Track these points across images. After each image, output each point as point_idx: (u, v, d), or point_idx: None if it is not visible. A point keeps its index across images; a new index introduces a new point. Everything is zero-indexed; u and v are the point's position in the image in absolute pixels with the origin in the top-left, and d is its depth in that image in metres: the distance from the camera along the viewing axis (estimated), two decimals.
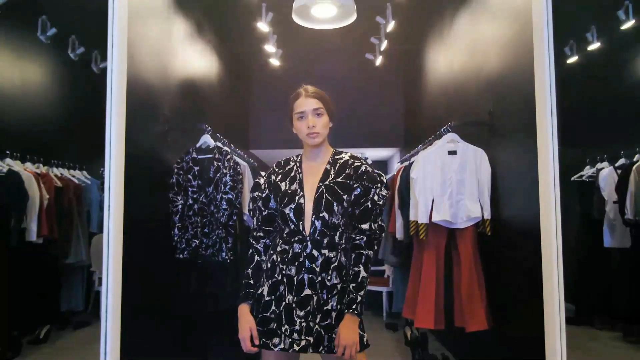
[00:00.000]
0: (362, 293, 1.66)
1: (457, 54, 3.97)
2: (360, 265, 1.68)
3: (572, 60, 3.71)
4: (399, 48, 5.47)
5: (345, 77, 6.25)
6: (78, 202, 3.91)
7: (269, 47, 5.05)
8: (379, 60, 5.36)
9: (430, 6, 4.65)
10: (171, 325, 3.12)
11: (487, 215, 2.88)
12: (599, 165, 3.73)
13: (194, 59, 4.09)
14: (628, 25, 3.35)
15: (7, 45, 3.46)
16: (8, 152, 3.36)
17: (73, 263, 3.80)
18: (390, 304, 4.89)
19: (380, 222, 1.73)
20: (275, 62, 5.47)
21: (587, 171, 3.84)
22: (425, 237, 2.96)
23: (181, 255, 3.04)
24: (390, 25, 4.54)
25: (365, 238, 1.70)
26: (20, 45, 3.56)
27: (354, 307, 1.64)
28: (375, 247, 1.73)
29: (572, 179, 3.85)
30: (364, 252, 1.69)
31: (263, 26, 4.49)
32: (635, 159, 3.45)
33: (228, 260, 3.00)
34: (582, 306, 3.65)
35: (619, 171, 3.52)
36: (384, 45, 4.95)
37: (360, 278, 1.66)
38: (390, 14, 4.44)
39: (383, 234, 1.81)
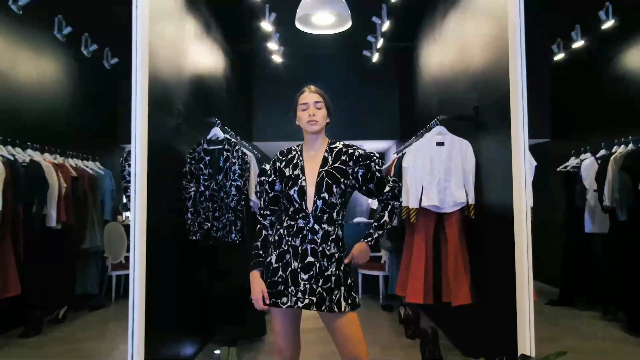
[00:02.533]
0: (380, 232, 2.00)
1: (447, 52, 4.17)
2: (386, 212, 2.01)
3: (560, 57, 3.85)
4: (394, 45, 5.69)
5: (344, 73, 6.45)
6: (92, 191, 4.05)
7: (272, 45, 5.25)
8: (375, 57, 5.57)
9: (423, 7, 4.86)
10: (186, 300, 3.35)
11: (472, 200, 3.14)
12: (582, 157, 3.88)
13: (203, 57, 4.28)
14: (608, 24, 3.51)
15: (26, 43, 3.62)
16: (29, 143, 3.53)
17: (88, 248, 3.95)
18: (387, 287, 5.11)
19: (391, 179, 2.06)
20: (277, 59, 5.69)
21: (572, 162, 3.98)
22: (415, 221, 3.22)
23: (194, 237, 3.29)
24: (386, 25, 4.75)
25: (390, 193, 2.03)
26: (39, 43, 3.73)
27: (369, 239, 1.99)
28: (400, 199, 2.06)
29: (558, 169, 4.01)
30: (390, 202, 2.03)
31: (266, 25, 4.70)
32: (613, 150, 3.61)
33: (237, 241, 3.25)
34: (566, 288, 3.84)
35: (599, 161, 3.68)
36: (380, 43, 5.16)
37: (382, 221, 2.00)
38: (386, 14, 4.66)
39: (401, 184, 2.25)
